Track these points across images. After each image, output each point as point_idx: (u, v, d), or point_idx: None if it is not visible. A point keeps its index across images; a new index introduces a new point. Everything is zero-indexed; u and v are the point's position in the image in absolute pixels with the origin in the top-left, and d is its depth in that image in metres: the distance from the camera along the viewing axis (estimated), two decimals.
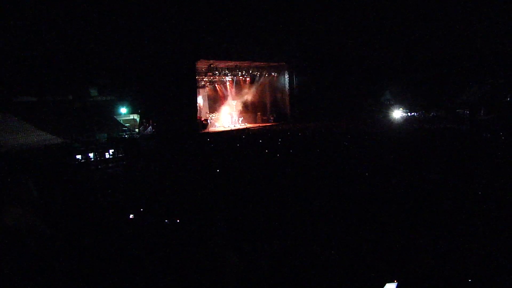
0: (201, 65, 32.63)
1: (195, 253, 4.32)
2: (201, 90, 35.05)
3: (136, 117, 37.03)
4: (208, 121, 33.77)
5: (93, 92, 38.51)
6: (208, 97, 37.41)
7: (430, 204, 9.31)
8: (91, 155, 22.31)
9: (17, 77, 32.61)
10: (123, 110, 36.91)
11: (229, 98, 37.29)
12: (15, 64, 32.16)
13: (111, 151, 23.38)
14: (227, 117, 36.53)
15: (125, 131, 31.37)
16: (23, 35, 33.55)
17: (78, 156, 21.65)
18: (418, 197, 10.07)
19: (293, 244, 6.20)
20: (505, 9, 41.83)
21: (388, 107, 42.92)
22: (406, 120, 34.92)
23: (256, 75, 37.65)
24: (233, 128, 33.43)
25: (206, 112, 36.11)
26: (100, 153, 22.78)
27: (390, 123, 32.42)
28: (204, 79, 34.69)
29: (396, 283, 5.40)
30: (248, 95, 38.52)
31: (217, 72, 34.19)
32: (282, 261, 4.75)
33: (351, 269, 5.36)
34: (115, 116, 35.74)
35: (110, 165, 22.23)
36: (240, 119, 37.45)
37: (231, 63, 34.84)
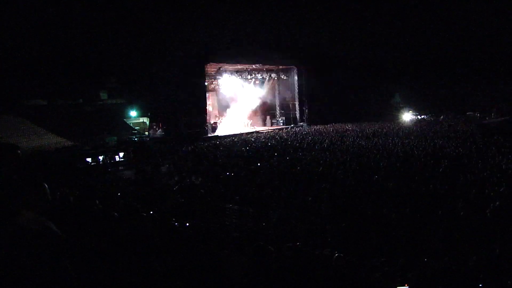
0: (211, 68, 32.72)
1: (204, 256, 4.32)
2: (210, 93, 35.11)
3: (146, 120, 37.23)
4: (218, 124, 33.79)
5: (103, 95, 38.83)
6: (217, 100, 37.41)
7: (441, 206, 9.22)
8: (101, 158, 22.48)
9: (28, 81, 33.02)
10: (133, 113, 37.11)
11: (238, 101, 37.18)
12: (26, 69, 32.55)
13: (121, 154, 23.53)
14: (236, 121, 36.42)
15: (134, 134, 31.57)
16: (34, 40, 33.97)
17: (89, 159, 21.82)
18: (428, 199, 9.98)
19: (302, 247, 6.18)
20: None
21: (397, 110, 42.68)
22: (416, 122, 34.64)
23: (265, 78, 37.59)
24: (242, 131, 33.38)
25: (216, 115, 36.14)
26: (110, 156, 22.94)
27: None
28: (213, 82, 34.76)
29: (407, 287, 5.36)
30: (257, 98, 38.46)
31: (226, 75, 34.19)
32: (291, 264, 4.74)
33: (362, 272, 5.33)
34: (125, 119, 35.97)
35: (120, 167, 22.37)
36: (249, 122, 37.38)
37: (240, 66, 34.85)
